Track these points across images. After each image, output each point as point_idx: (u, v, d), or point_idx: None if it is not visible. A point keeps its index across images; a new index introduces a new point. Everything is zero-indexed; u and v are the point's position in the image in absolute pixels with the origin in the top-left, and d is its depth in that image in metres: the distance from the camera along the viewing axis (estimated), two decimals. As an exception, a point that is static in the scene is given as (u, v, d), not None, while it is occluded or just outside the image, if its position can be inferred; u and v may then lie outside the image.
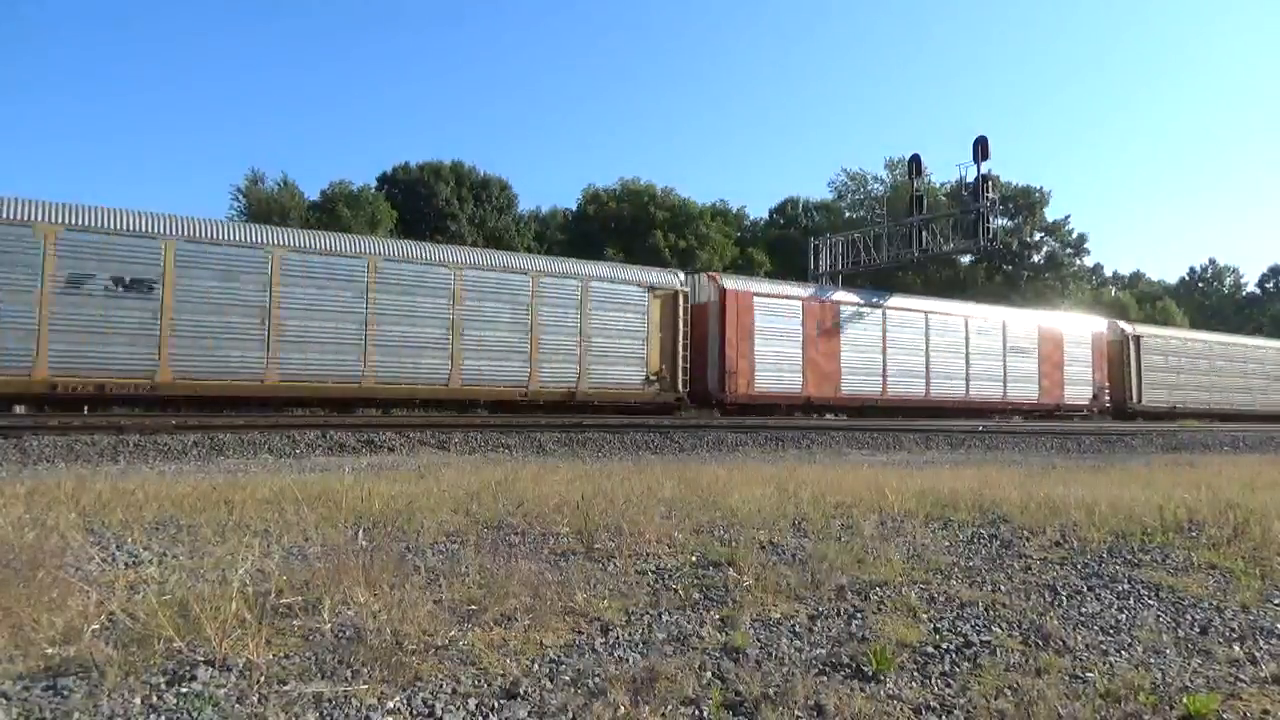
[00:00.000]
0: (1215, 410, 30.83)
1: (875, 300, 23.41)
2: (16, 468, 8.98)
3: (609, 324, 18.47)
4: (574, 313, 18.03)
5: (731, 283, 20.88)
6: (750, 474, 8.55)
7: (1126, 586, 4.13)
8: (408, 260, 16.54)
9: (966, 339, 24.61)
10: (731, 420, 19.03)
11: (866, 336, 22.57)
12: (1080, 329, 27.55)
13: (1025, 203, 50.58)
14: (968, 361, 24.54)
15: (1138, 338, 28.96)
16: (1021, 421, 24.63)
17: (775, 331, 20.78)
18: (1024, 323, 26.26)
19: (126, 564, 3.94)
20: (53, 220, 13.27)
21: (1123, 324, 29.73)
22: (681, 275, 20.46)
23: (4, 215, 13.03)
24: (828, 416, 22.56)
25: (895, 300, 24.14)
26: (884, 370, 22.71)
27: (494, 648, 2.91)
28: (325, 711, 2.36)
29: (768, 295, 21.06)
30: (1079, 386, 26.90)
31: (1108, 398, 27.58)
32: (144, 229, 13.99)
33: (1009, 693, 2.68)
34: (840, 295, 23.12)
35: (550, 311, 17.75)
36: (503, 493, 6.48)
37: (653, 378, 18.79)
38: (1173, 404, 29.44)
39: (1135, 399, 28.31)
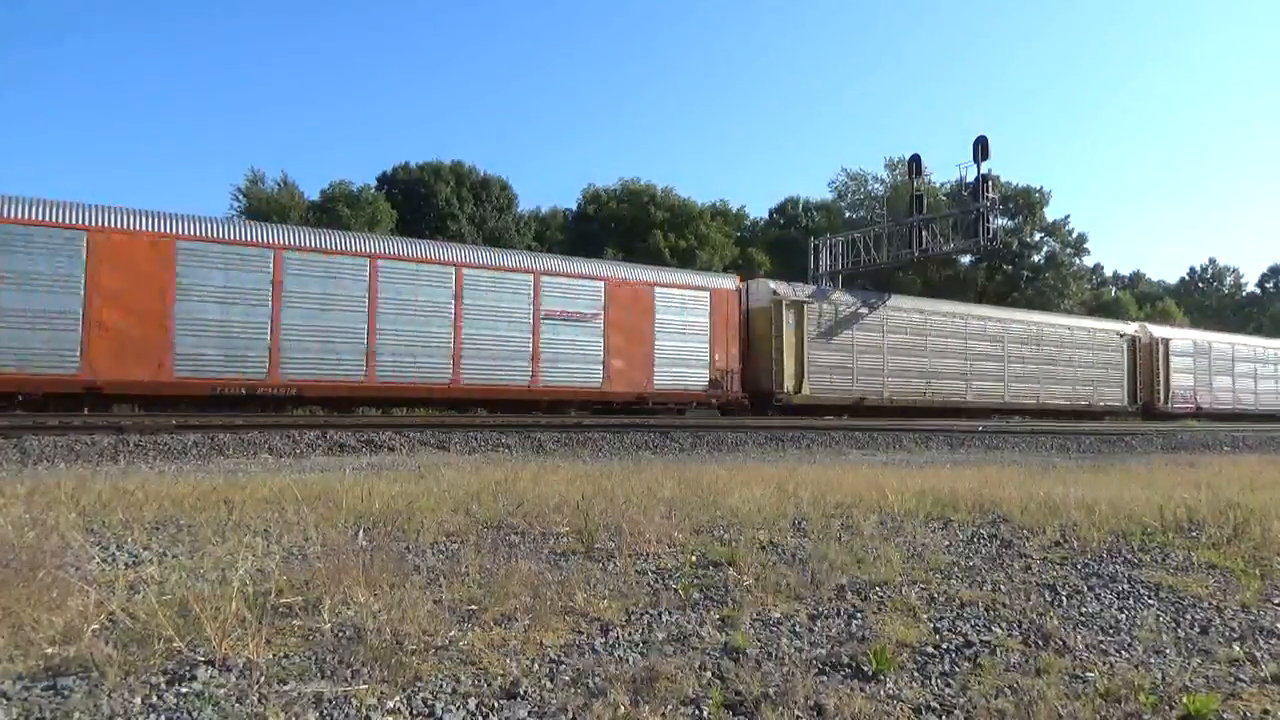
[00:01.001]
0: (939, 405, 23.96)
1: (264, 237, 15.82)
2: (16, 468, 8.98)
3: None
4: None
5: None
6: (750, 474, 8.55)
7: (1126, 586, 4.13)
8: None
9: (457, 299, 17.15)
10: (731, 420, 18.97)
11: (242, 292, 15.20)
12: (694, 288, 20.40)
13: (1025, 203, 50.56)
14: (457, 332, 17.06)
15: (799, 304, 21.55)
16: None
17: None
18: (576, 279, 18.82)
19: (126, 564, 3.94)
20: None
21: (773, 284, 22.03)
22: None
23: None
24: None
25: (302, 236, 16.54)
26: (273, 343, 15.33)
27: (494, 648, 2.91)
28: (325, 711, 2.36)
29: None
30: (687, 369, 19.71)
31: (737, 384, 20.46)
32: None
33: (1009, 692, 2.68)
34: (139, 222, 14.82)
35: None
36: (503, 493, 6.48)
37: None
38: (861, 395, 22.42)
39: (789, 387, 20.99)
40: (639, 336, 19.16)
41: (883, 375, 22.91)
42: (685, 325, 19.86)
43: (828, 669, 2.86)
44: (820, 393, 21.68)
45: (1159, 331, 30.52)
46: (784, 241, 49.61)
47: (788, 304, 21.34)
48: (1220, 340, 32.72)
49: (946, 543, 5.08)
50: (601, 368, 18.68)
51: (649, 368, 19.22)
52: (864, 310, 23.05)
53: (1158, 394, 29.03)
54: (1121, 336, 29.14)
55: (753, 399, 20.87)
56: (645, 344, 19.24)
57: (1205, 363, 30.88)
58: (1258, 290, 71.98)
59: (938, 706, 2.57)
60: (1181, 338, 31.09)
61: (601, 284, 19.00)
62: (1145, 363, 29.16)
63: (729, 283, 21.31)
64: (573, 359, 18.43)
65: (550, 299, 18.23)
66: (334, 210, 38.58)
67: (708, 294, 20.40)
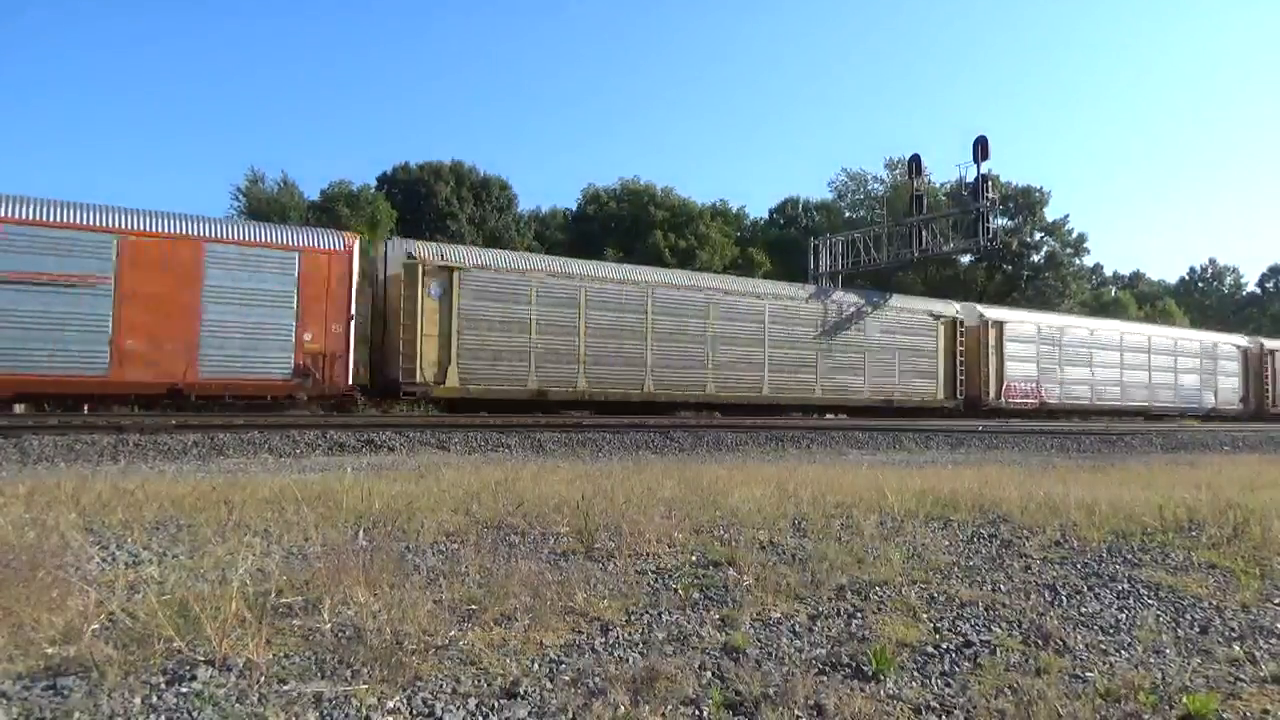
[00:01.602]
0: (663, 400, 19.40)
1: None
2: (16, 468, 8.98)
3: None
4: None
5: None
6: (750, 474, 8.55)
7: (1126, 586, 4.13)
8: None
9: None
10: (731, 420, 18.99)
11: None
12: (272, 247, 15.51)
13: (1025, 203, 50.56)
14: None
15: (449, 270, 17.10)
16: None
17: None
18: (62, 230, 13.88)
19: (126, 564, 3.94)
20: None
21: (413, 245, 17.73)
22: None
23: None
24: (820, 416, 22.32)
25: None
26: None
27: (494, 648, 2.91)
28: (325, 711, 2.36)
29: None
30: (259, 353, 15.08)
31: (345, 371, 15.77)
32: None
33: (1009, 692, 2.68)
34: None
35: None
36: (503, 493, 6.48)
37: None
38: (542, 387, 17.84)
39: (427, 375, 16.73)
40: (176, 309, 14.51)
41: (578, 362, 18.34)
42: (256, 295, 15.15)
43: (828, 669, 2.86)
44: (476, 383, 17.21)
45: (991, 314, 25.97)
46: (784, 241, 49.59)
47: (430, 270, 16.94)
48: (1076, 325, 28.16)
49: (946, 543, 5.08)
50: (108, 349, 14.01)
51: (191, 350, 14.59)
52: (553, 281, 18.38)
53: (985, 386, 24.71)
54: (936, 318, 24.39)
55: (377, 389, 17.27)
56: (186, 319, 14.58)
57: (1054, 351, 26.38)
58: (1258, 290, 72.00)
59: (938, 706, 2.57)
60: (1021, 320, 26.67)
61: (111, 239, 14.17)
62: (971, 350, 24.75)
63: (333, 241, 16.34)
64: (54, 339, 13.64)
65: (11, 258, 13.44)
66: (334, 210, 38.58)
67: (295, 255, 15.56)
